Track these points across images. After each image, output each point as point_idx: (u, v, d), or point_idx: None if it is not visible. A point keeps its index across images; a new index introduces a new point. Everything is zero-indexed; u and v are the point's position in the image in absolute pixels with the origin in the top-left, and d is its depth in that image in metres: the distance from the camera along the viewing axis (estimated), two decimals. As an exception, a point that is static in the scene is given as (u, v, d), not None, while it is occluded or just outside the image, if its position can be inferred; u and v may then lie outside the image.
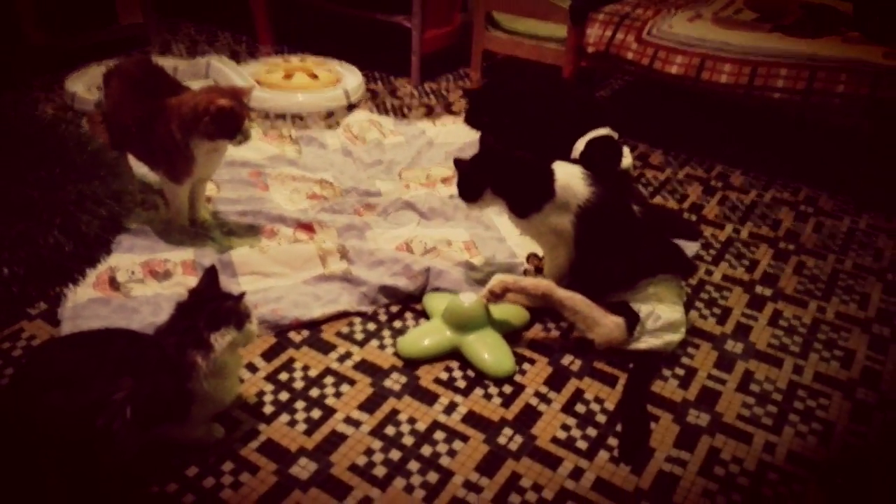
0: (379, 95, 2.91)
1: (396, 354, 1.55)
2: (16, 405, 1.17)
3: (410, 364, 1.53)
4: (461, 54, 3.22)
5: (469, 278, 1.76)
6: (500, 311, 1.64)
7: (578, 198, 1.60)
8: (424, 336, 1.57)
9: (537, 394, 1.47)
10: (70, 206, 0.70)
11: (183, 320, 1.24)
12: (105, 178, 0.81)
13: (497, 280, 1.59)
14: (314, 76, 2.83)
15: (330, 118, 2.63)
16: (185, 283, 1.70)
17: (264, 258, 1.77)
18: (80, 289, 1.65)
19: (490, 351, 1.52)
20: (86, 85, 2.57)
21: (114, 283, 1.68)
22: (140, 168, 1.99)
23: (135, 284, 1.69)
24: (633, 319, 1.57)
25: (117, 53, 2.92)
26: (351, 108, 2.76)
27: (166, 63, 2.97)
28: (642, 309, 1.58)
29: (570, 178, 1.62)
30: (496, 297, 1.58)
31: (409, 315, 1.69)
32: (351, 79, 2.87)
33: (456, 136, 2.48)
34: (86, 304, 1.61)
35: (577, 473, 1.29)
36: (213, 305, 1.24)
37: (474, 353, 1.52)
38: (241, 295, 1.27)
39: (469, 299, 1.56)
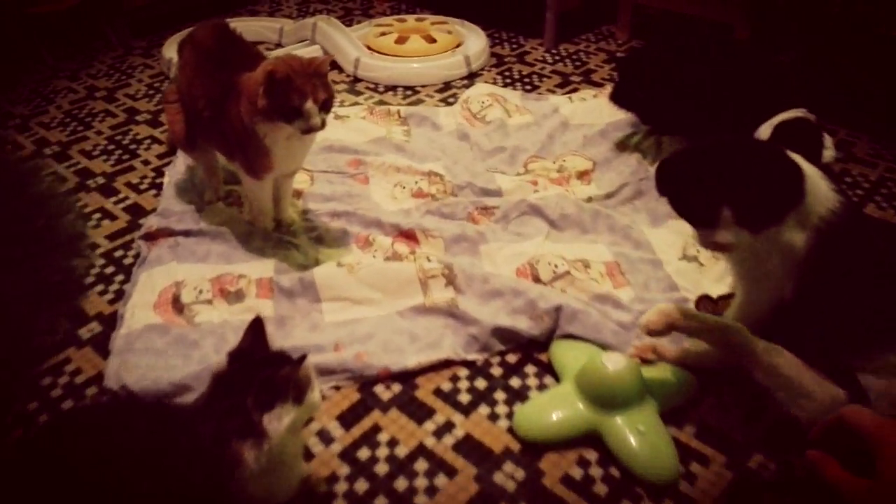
0: (505, 61, 2.46)
1: (512, 431, 1.16)
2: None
3: (531, 448, 1.14)
4: (605, 10, 2.69)
5: (612, 322, 1.32)
6: (656, 371, 1.21)
7: (822, 206, 1.08)
8: (551, 408, 1.17)
9: (713, 518, 1.03)
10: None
11: (224, 397, 0.91)
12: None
13: (658, 312, 1.12)
14: (431, 39, 2.43)
15: (446, 91, 2.22)
16: (257, 308, 1.38)
17: (353, 280, 1.42)
18: (138, 309, 1.39)
19: (644, 443, 1.09)
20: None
21: (177, 304, 1.40)
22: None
23: (201, 307, 1.40)
24: (859, 396, 1.08)
25: (222, 13, 2.66)
26: (472, 77, 2.34)
27: (272, 25, 2.70)
28: (874, 385, 1.09)
29: (813, 175, 1.10)
30: (657, 330, 1.11)
31: (531, 369, 1.29)
32: (473, 42, 2.45)
33: (598, 114, 2.00)
34: (141, 331, 1.33)
35: None
36: (264, 375, 0.90)
37: (621, 444, 1.10)
38: (302, 358, 0.93)
39: (615, 363, 1.13)
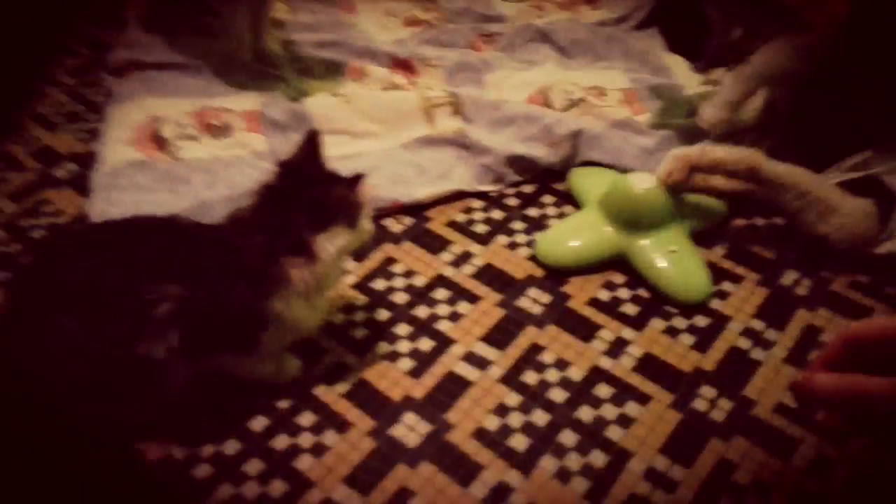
0: None
1: (534, 259, 1.10)
2: (14, 336, 0.81)
3: (555, 274, 1.08)
4: None
5: (634, 147, 1.24)
6: (685, 196, 1.15)
7: None
8: (575, 234, 1.11)
9: (748, 332, 1.01)
10: None
11: (273, 212, 0.82)
12: None
13: (678, 156, 1.06)
14: None
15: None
16: (248, 142, 1.27)
17: (351, 110, 1.30)
18: (116, 146, 1.26)
19: (675, 263, 1.05)
20: None
21: (158, 140, 1.27)
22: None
23: (185, 143, 1.27)
24: (888, 203, 1.05)
25: None
26: None
27: None
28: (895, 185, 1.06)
29: None
30: (678, 179, 1.07)
31: (548, 199, 1.22)
32: None
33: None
34: (123, 168, 1.21)
35: (820, 468, 0.86)
36: (318, 193, 0.82)
37: (650, 266, 1.05)
38: (358, 177, 0.84)
39: (643, 182, 1.06)
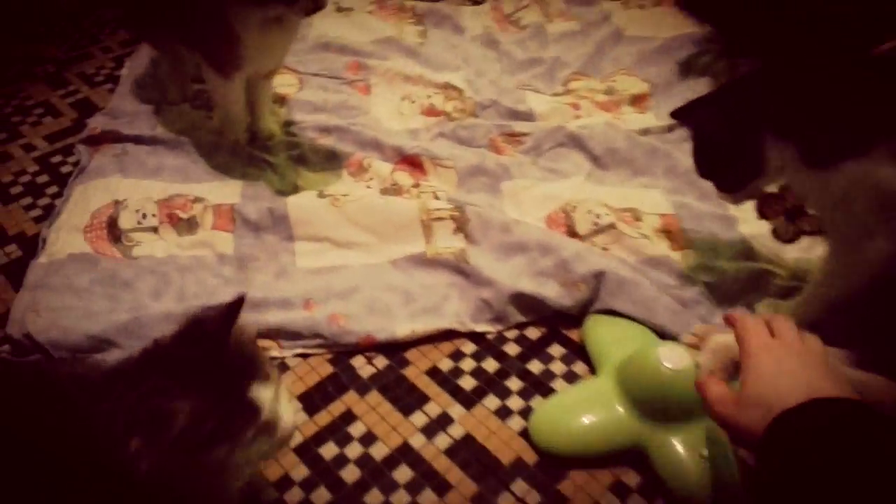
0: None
1: (527, 435, 0.87)
2: None
3: (551, 463, 0.85)
4: None
5: (669, 298, 1.01)
6: None
7: None
8: (581, 409, 0.87)
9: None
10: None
11: (143, 380, 0.61)
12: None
13: (721, 350, 0.82)
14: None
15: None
16: (214, 242, 1.09)
17: (338, 215, 1.11)
18: (66, 232, 1.09)
19: (707, 471, 0.80)
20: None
21: (114, 230, 1.10)
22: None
23: (143, 235, 1.10)
24: None
25: None
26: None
27: None
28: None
29: None
30: (722, 379, 0.83)
31: (556, 350, 0.99)
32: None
33: (658, 26, 1.61)
34: (64, 261, 1.04)
35: None
36: (151, 401, 0.59)
37: (675, 470, 0.81)
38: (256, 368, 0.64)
39: (677, 360, 0.82)
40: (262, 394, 0.63)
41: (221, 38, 1.09)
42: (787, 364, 0.57)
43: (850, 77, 0.86)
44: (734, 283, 1.05)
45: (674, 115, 0.98)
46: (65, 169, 1.27)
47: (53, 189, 1.23)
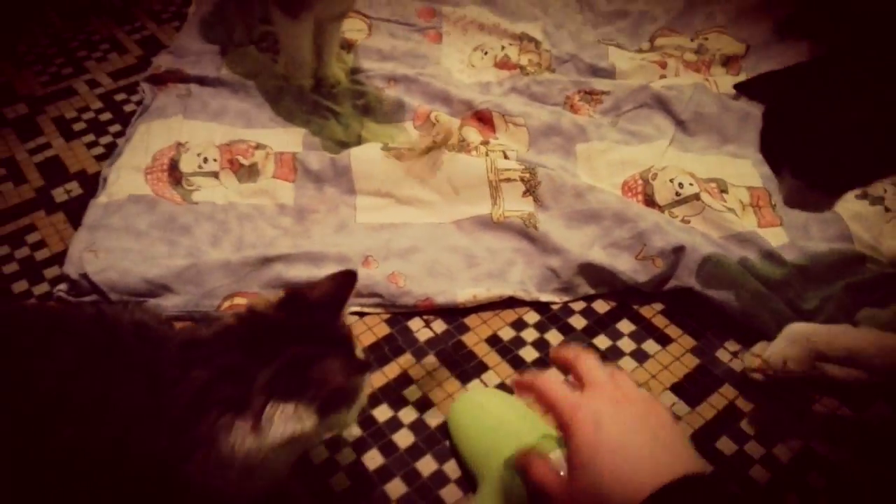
0: None
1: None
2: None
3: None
4: None
5: (754, 280, 0.92)
6: None
7: None
8: None
9: None
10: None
11: (235, 348, 0.59)
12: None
13: (798, 339, 0.75)
14: None
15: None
16: (274, 191, 1.05)
17: (401, 170, 1.06)
18: (126, 172, 1.07)
19: None
20: None
21: (174, 173, 1.08)
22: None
23: (203, 180, 1.07)
24: None
25: None
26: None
27: None
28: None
29: None
30: (795, 371, 0.75)
31: (625, 327, 0.93)
32: None
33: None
34: (123, 202, 1.03)
35: None
36: (301, 354, 0.58)
37: None
38: (366, 365, 0.63)
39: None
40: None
41: (290, -24, 1.04)
42: (627, 435, 0.46)
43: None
44: (826, 266, 0.95)
45: (738, 87, 0.83)
46: (128, 107, 1.25)
47: (116, 127, 1.21)
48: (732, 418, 0.83)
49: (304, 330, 0.61)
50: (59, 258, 0.98)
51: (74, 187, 1.10)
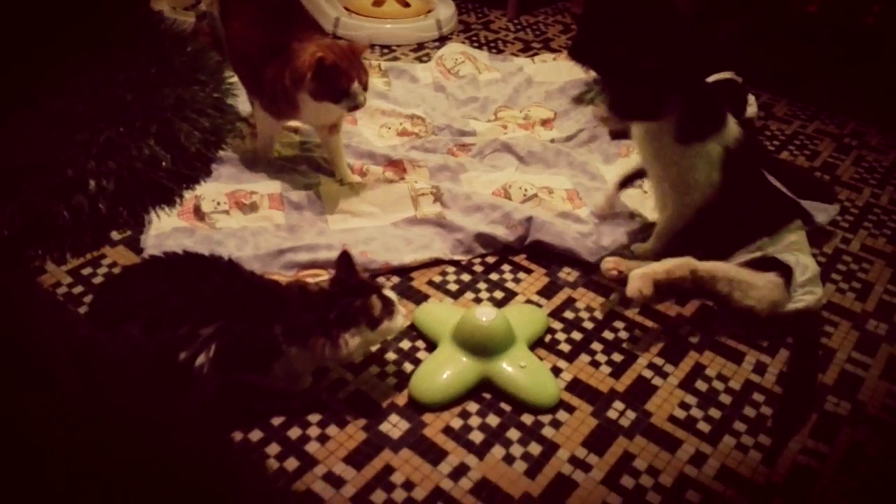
0: (471, 28, 2.71)
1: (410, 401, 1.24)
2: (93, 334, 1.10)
3: (423, 410, 1.21)
4: (562, -13, 2.97)
5: (574, 232, 1.60)
6: (516, 312, 1.38)
7: (731, 135, 1.42)
8: (441, 368, 1.24)
9: (651, 365, 1.32)
10: (168, 113, 0.58)
11: (319, 308, 1.13)
12: (206, 84, 0.66)
13: (642, 275, 1.33)
14: (406, 3, 2.65)
15: (420, 50, 2.46)
16: (271, 217, 1.60)
17: (354, 196, 1.66)
18: (164, 216, 1.57)
19: (529, 374, 1.23)
20: (171, 4, 2.48)
21: (199, 213, 1.60)
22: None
23: (220, 216, 1.60)
24: (786, 274, 1.37)
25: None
26: (442, 40, 2.58)
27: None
28: (788, 260, 1.39)
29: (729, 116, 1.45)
30: (648, 295, 1.33)
31: (506, 267, 1.55)
32: (444, 8, 2.69)
33: (557, 73, 2.27)
34: (170, 233, 1.53)
35: (698, 459, 1.15)
36: (344, 302, 1.13)
37: (509, 382, 1.22)
38: (373, 290, 1.16)
39: (488, 315, 1.24)
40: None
41: (287, 104, 1.57)
42: None
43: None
44: (613, 223, 1.65)
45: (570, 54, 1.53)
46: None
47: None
48: (571, 308, 1.46)
49: (346, 287, 1.15)
50: (133, 270, 1.45)
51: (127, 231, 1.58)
